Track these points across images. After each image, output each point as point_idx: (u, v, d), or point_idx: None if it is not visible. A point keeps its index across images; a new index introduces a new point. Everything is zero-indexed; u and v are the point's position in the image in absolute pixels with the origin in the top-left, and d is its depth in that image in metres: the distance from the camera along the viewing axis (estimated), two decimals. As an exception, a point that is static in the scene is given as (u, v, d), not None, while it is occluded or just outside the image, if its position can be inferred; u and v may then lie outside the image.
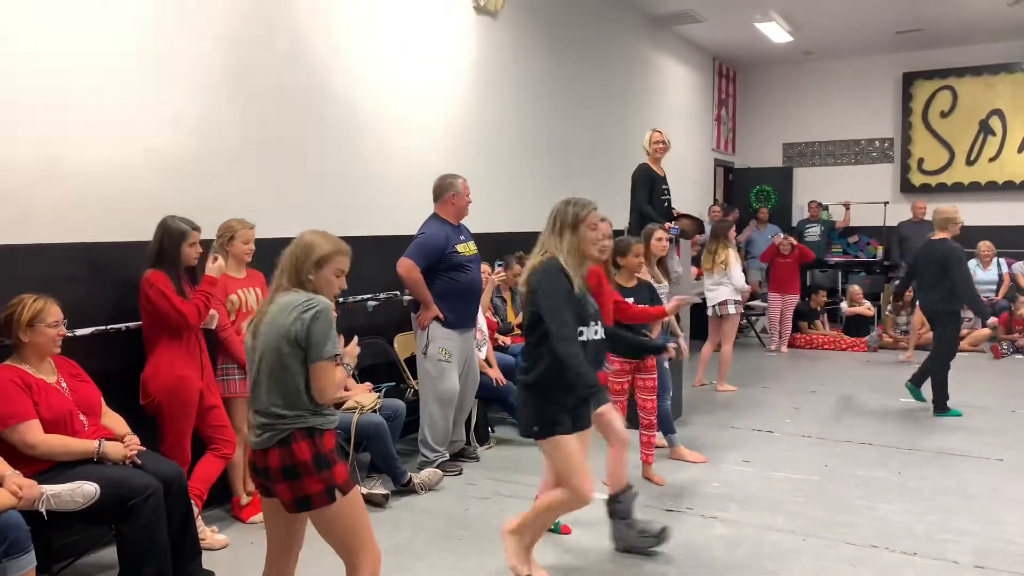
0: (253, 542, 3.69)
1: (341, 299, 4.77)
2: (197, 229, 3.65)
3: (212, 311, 3.70)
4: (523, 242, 6.97)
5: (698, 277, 7.16)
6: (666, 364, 4.94)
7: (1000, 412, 6.20)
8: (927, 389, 6.20)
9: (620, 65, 8.86)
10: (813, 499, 4.30)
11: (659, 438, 4.97)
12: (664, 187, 6.48)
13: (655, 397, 4.54)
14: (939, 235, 6.04)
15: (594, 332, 3.11)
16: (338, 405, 4.23)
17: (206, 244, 3.86)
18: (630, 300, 4.37)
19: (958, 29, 10.14)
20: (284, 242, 4.54)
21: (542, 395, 3.03)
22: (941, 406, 6.09)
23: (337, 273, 2.62)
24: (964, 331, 8.87)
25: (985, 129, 10.92)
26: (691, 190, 10.57)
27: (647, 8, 9.13)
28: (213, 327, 3.79)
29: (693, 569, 3.46)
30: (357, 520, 2.51)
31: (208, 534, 3.63)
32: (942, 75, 11.13)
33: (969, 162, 11.02)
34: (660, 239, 5.14)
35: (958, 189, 11.00)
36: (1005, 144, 10.80)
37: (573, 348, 2.92)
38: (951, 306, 6.01)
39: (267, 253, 4.24)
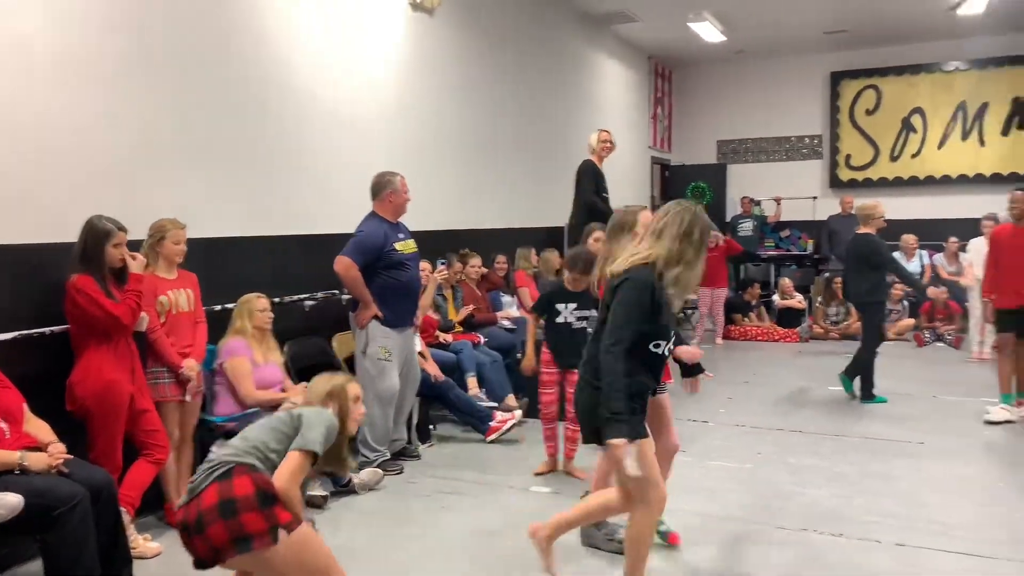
0: (188, 548, 3.62)
1: (277, 299, 4.71)
2: (123, 230, 3.55)
3: (143, 312, 3.62)
4: (466, 239, 7.00)
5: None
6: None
7: (922, 398, 6.47)
8: (857, 381, 6.44)
9: (558, 63, 8.93)
10: (746, 486, 4.43)
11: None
12: (604, 184, 6.62)
13: None
14: (863, 229, 6.28)
15: (668, 348, 2.98)
16: (275, 407, 4.18)
17: (136, 245, 3.77)
18: (573, 305, 4.49)
19: (882, 30, 10.52)
20: (217, 242, 4.50)
21: (629, 399, 2.81)
22: (868, 394, 6.33)
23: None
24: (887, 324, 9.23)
25: (907, 127, 11.37)
26: (628, 187, 10.72)
27: (584, 7, 9.23)
28: (143, 329, 3.70)
29: (631, 558, 3.53)
30: (315, 559, 2.48)
31: (140, 542, 3.54)
32: (867, 74, 11.54)
33: (893, 158, 11.45)
34: (597, 239, 5.17)
35: (883, 184, 11.42)
36: (926, 141, 11.26)
37: (617, 365, 2.77)
38: (876, 296, 6.28)
39: (199, 253, 4.17)
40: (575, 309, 4.52)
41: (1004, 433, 5.45)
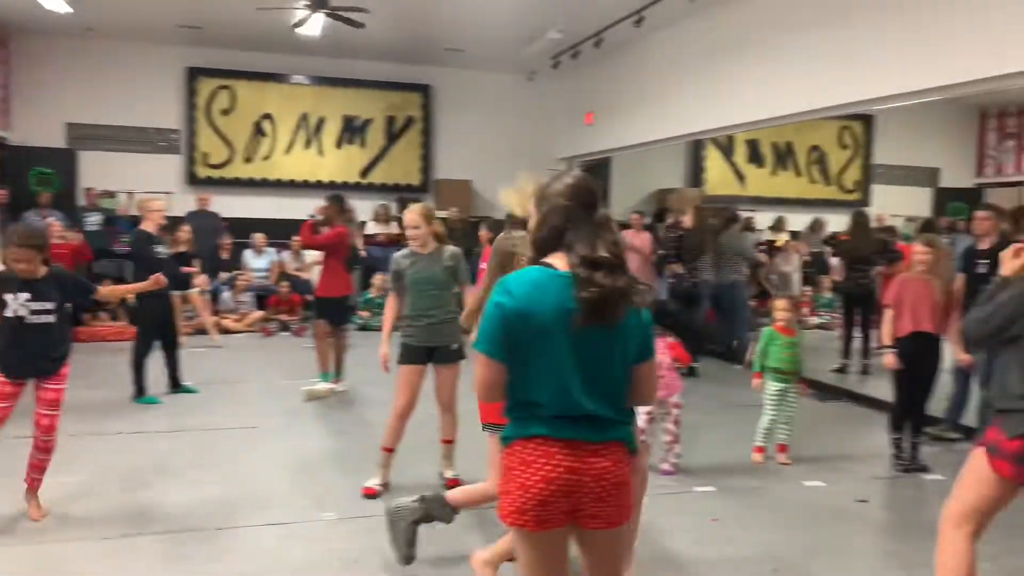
0: None
1: None
2: None
3: None
4: None
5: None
6: None
7: (260, 384, 7.14)
8: (199, 380, 6.78)
9: None
10: (101, 497, 4.26)
11: None
12: None
13: (59, 412, 4.00)
14: (143, 225, 6.60)
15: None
16: None
17: None
18: (26, 295, 3.75)
19: (234, 34, 11.02)
20: None
21: None
22: (141, 392, 6.45)
23: None
24: (235, 314, 9.90)
25: (259, 131, 12.24)
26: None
27: None
28: None
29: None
30: None
31: None
32: (223, 75, 11.97)
33: (247, 159, 12.19)
34: None
35: (239, 183, 12.05)
36: (276, 146, 12.30)
37: None
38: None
39: None
40: (29, 300, 3.75)
41: (324, 408, 6.41)
